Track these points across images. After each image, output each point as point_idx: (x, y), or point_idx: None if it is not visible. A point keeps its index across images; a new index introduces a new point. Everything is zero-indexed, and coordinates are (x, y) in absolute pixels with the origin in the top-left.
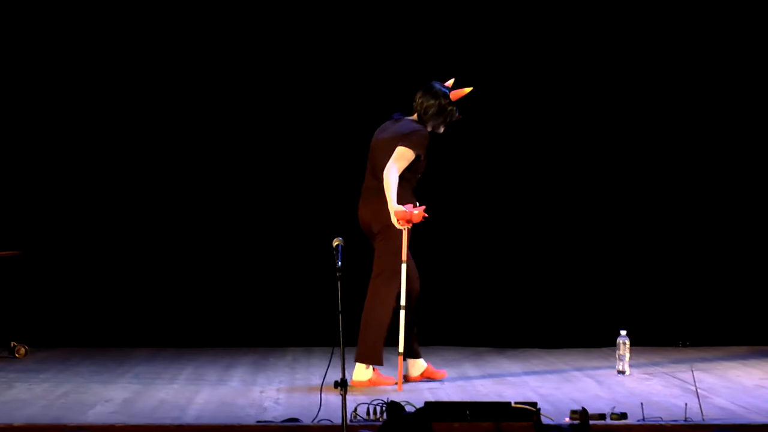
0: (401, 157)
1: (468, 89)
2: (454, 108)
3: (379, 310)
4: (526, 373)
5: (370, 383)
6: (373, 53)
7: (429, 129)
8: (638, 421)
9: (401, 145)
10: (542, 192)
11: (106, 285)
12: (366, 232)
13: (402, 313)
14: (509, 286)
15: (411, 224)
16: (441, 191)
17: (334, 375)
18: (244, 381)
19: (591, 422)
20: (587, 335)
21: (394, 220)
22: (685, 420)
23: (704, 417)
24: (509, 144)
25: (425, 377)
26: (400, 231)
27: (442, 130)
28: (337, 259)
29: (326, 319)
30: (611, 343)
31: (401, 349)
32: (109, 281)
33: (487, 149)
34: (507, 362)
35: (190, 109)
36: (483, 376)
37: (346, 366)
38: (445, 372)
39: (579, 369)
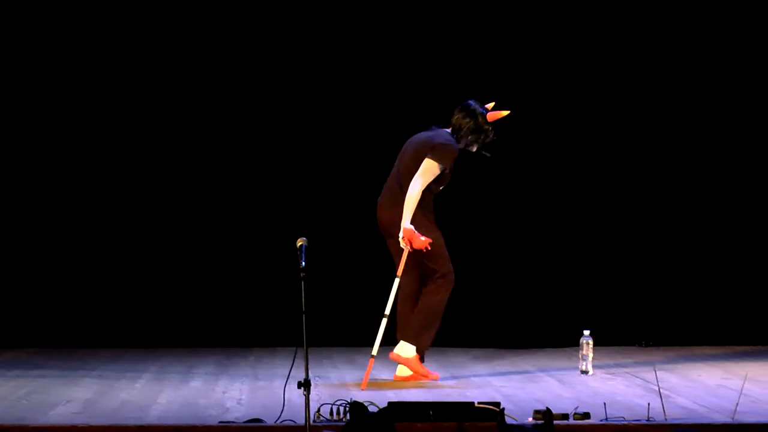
0: (427, 171)
1: (505, 112)
2: (490, 128)
3: (439, 303)
4: (490, 374)
5: (406, 362)
6: (365, 53)
7: (462, 145)
8: (601, 420)
9: (429, 158)
10: (503, 194)
11: (71, 286)
12: (384, 232)
13: (383, 321)
14: (473, 286)
15: (409, 247)
16: None
17: (298, 375)
18: (207, 381)
19: (554, 422)
20: (551, 336)
21: (407, 241)
22: (648, 420)
23: (667, 417)
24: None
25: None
26: (427, 231)
27: (475, 149)
28: (301, 259)
29: (289, 319)
30: (574, 343)
31: (375, 351)
32: (73, 282)
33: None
34: (471, 362)
35: (155, 111)
36: (447, 377)
37: (313, 365)
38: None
39: (542, 369)
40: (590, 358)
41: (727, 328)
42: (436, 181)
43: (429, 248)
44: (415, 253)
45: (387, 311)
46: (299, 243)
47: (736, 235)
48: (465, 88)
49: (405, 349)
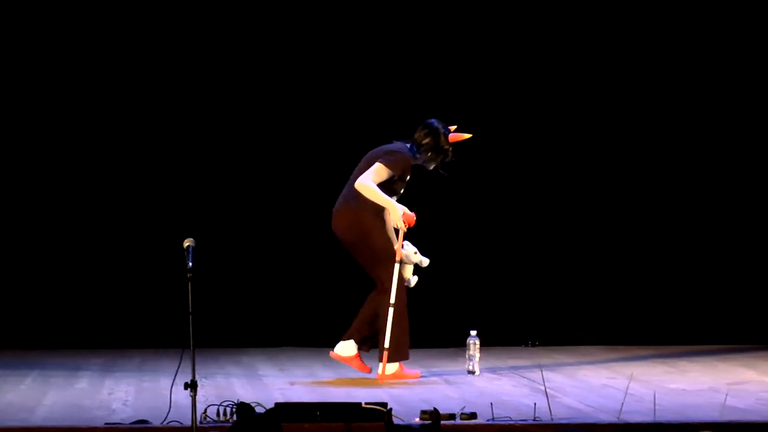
0: (375, 171)
1: (467, 135)
2: (450, 149)
3: (397, 311)
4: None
5: (395, 376)
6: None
7: (420, 161)
8: (488, 420)
9: (379, 161)
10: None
11: None
12: (342, 243)
13: (391, 310)
14: (358, 287)
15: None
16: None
17: (185, 376)
18: (93, 383)
19: (441, 422)
20: (437, 335)
21: (398, 218)
22: (535, 419)
23: (553, 416)
24: None
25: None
26: (380, 234)
27: (432, 167)
28: (188, 260)
29: (176, 320)
30: (461, 343)
31: (387, 344)
32: None
33: None
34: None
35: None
36: (334, 377)
37: (199, 366)
38: (369, 368)
39: (429, 369)
40: (477, 359)
41: (613, 329)
42: (387, 188)
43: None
44: (369, 259)
45: (392, 300)
46: (186, 244)
47: (624, 236)
48: (441, 93)
49: (347, 348)
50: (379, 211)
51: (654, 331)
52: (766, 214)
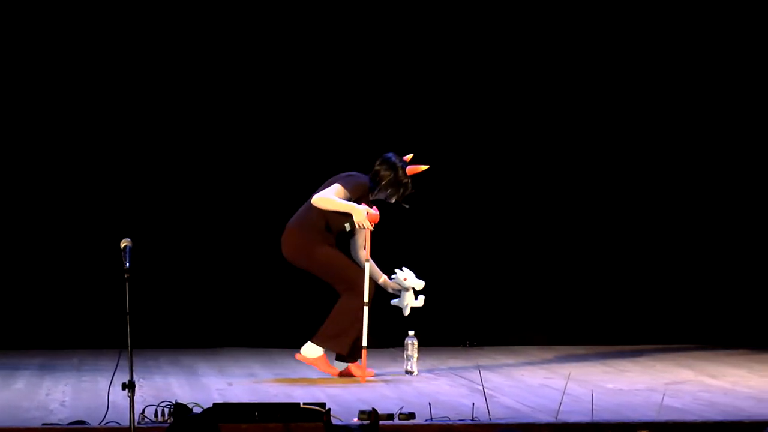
0: (332, 190)
1: (424, 167)
2: (409, 182)
3: (354, 307)
4: (315, 374)
5: (311, 362)
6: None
7: (381, 197)
8: (426, 420)
9: (338, 183)
10: None
11: None
12: (293, 264)
13: (366, 309)
14: (296, 288)
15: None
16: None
17: (122, 377)
18: (30, 383)
19: (380, 422)
20: (374, 336)
21: (363, 218)
22: (473, 419)
23: (491, 416)
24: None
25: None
26: (323, 251)
27: (393, 200)
28: (125, 260)
29: (113, 320)
30: (399, 343)
31: (365, 342)
32: None
33: None
34: (294, 362)
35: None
36: (272, 376)
37: (137, 367)
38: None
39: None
40: (415, 359)
41: (551, 329)
42: (334, 221)
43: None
44: (325, 276)
45: (366, 299)
46: (123, 244)
47: (562, 237)
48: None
49: (309, 350)
50: (319, 229)
51: (591, 330)
52: (703, 216)
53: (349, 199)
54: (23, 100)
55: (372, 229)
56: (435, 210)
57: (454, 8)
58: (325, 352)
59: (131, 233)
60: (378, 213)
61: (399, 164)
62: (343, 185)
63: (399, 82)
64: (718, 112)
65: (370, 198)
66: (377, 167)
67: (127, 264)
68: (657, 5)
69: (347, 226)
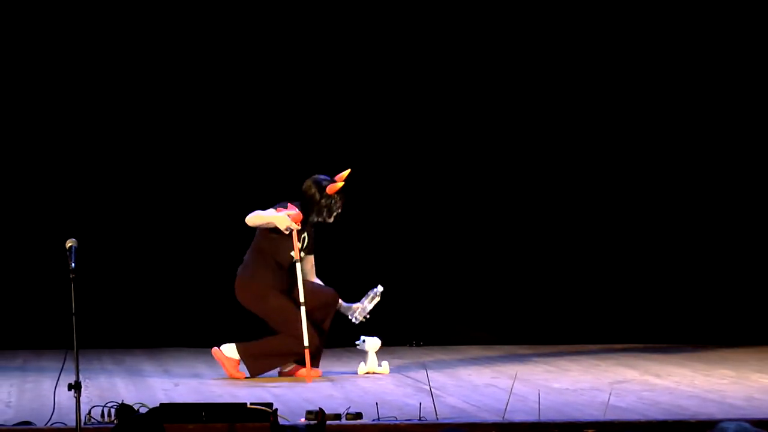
0: (257, 216)
1: (345, 172)
2: (333, 201)
3: (284, 347)
4: (260, 374)
5: (222, 359)
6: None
7: (318, 219)
8: (373, 420)
9: (268, 209)
10: None
11: None
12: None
13: (302, 309)
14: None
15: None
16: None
17: (68, 377)
18: None
19: (327, 422)
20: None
21: (288, 222)
22: (420, 419)
23: (438, 416)
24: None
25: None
26: (272, 300)
27: (331, 220)
28: (71, 260)
29: (57, 321)
30: (345, 344)
31: (306, 342)
32: None
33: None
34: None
35: None
36: (216, 377)
37: (92, 368)
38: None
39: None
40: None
41: (494, 329)
42: (273, 247)
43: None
44: (269, 320)
45: (301, 299)
46: (68, 244)
47: (503, 236)
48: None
49: (229, 350)
50: (272, 270)
51: (534, 330)
52: (647, 216)
53: (282, 226)
54: None
55: (299, 227)
56: (380, 211)
57: (452, 7)
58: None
59: (76, 233)
60: (299, 212)
61: (320, 186)
62: (271, 209)
63: (387, 82)
64: (712, 112)
65: (310, 222)
66: (304, 191)
67: (73, 264)
68: (657, 5)
69: (292, 255)
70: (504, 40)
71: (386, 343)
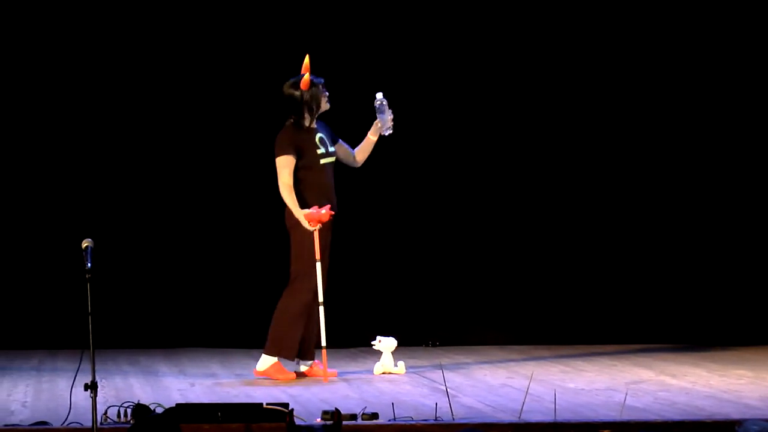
0: (279, 168)
1: (306, 60)
2: (314, 90)
3: (291, 307)
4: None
5: (267, 374)
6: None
7: (308, 122)
8: (389, 420)
9: (275, 158)
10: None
11: None
12: None
13: (321, 309)
14: (255, 288)
15: (320, 224)
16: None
17: (84, 377)
18: None
19: (343, 423)
20: (337, 336)
21: (305, 223)
22: (436, 419)
23: (454, 416)
24: None
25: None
26: (306, 233)
27: (327, 106)
28: (87, 260)
29: (72, 321)
30: (361, 343)
31: (324, 342)
32: None
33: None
34: (255, 363)
35: None
36: (232, 377)
37: (108, 368)
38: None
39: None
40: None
41: (510, 329)
42: (300, 167)
43: (333, 213)
44: (291, 252)
45: (320, 299)
46: (84, 244)
47: (520, 236)
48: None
49: (263, 362)
50: (312, 191)
51: (550, 330)
52: (661, 214)
53: (295, 155)
54: None
55: (318, 228)
56: (397, 210)
57: (452, 7)
58: (279, 359)
59: (92, 233)
60: (324, 212)
61: (294, 85)
62: (277, 155)
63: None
64: (721, 112)
65: (309, 125)
66: (286, 97)
67: (89, 264)
68: (657, 5)
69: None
70: (504, 37)
71: (402, 344)
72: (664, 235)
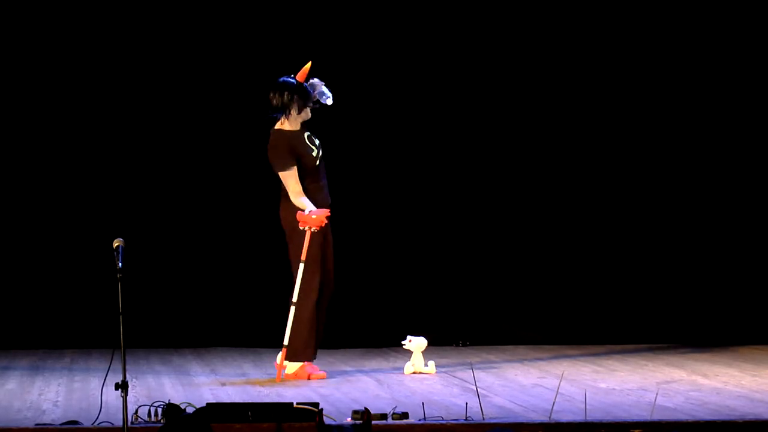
0: (286, 180)
1: (306, 65)
2: (300, 92)
3: (304, 313)
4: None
5: (297, 376)
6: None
7: (297, 119)
8: (419, 420)
9: (278, 172)
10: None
11: None
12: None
13: (291, 309)
14: (285, 288)
15: (312, 227)
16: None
17: (115, 377)
18: (22, 383)
19: (373, 422)
20: (367, 335)
21: (306, 221)
22: (466, 419)
23: (484, 416)
24: None
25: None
26: (302, 235)
27: (310, 105)
28: (118, 260)
29: (104, 320)
30: (391, 343)
31: (286, 341)
32: None
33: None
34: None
35: None
36: (263, 376)
37: (129, 366)
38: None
39: (359, 369)
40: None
41: (542, 329)
42: (301, 169)
43: (326, 218)
44: (290, 256)
45: (294, 299)
46: (116, 244)
47: (549, 236)
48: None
49: (290, 367)
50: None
51: (582, 330)
52: (690, 215)
53: (296, 158)
54: (14, 101)
55: (314, 230)
56: (428, 210)
57: (452, 6)
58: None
59: (124, 233)
60: (320, 216)
61: (288, 80)
62: (272, 161)
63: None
64: (723, 112)
65: (297, 119)
66: (274, 98)
67: (120, 264)
68: (657, 5)
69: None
70: (504, 37)
71: (432, 343)
72: (696, 235)
